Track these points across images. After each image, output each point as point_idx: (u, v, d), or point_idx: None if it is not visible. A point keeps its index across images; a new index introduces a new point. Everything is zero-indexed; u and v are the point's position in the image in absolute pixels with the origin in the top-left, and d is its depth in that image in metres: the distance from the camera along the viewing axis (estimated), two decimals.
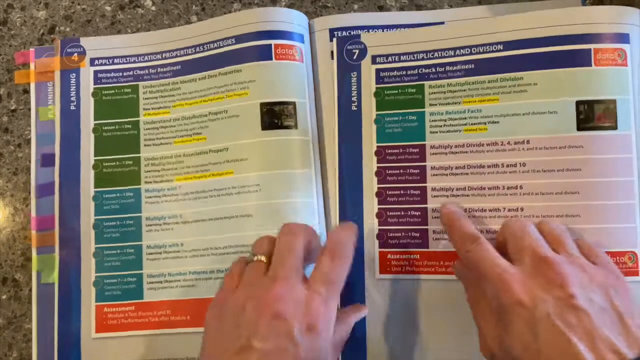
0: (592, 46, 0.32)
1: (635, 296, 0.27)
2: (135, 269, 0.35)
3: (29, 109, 0.38)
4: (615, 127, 0.32)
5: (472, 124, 0.34)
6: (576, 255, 0.27)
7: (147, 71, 0.38)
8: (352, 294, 0.34)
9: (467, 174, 0.33)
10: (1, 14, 0.40)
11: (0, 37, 0.40)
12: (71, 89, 0.38)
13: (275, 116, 0.35)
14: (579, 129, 0.32)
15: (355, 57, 0.36)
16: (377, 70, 0.35)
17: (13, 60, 0.39)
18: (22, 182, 0.37)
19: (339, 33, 0.37)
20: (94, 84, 0.38)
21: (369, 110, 0.35)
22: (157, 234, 0.36)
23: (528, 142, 0.33)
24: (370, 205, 0.34)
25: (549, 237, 0.29)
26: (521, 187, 0.33)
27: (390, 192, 0.34)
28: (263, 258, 0.28)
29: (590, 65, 0.32)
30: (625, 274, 0.30)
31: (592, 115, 0.32)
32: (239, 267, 0.29)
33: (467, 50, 0.34)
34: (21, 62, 0.39)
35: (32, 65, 0.38)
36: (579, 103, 0.32)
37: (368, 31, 0.37)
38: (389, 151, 0.35)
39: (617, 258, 0.31)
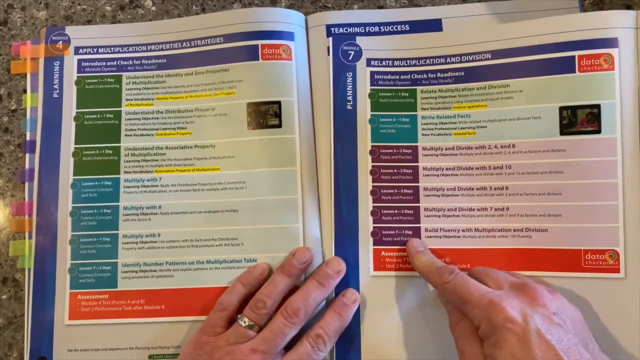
0: (576, 53, 0.35)
1: (615, 294, 0.33)
2: (111, 257, 0.37)
3: None
4: (598, 131, 0.35)
5: (461, 128, 0.37)
6: (543, 285, 0.32)
7: (131, 62, 0.39)
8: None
9: (456, 175, 0.37)
10: (1, 14, 0.41)
11: (1, 37, 0.41)
12: (54, 77, 0.39)
13: (260, 116, 0.37)
14: (561, 133, 0.35)
15: (350, 58, 0.39)
16: (372, 73, 0.38)
17: (13, 59, 0.41)
18: (22, 182, 0.39)
19: (335, 30, 0.39)
20: (78, 72, 0.39)
21: (364, 110, 0.38)
22: (134, 223, 0.37)
23: (513, 146, 0.36)
24: (365, 203, 0.37)
25: (511, 274, 0.33)
26: (507, 188, 0.36)
27: (384, 191, 0.37)
28: (252, 324, 0.33)
29: (574, 72, 0.35)
30: (606, 271, 0.34)
31: (574, 120, 0.35)
32: (222, 320, 0.34)
33: (458, 59, 0.37)
34: (18, 54, 0.40)
35: (26, 53, 0.40)
36: (562, 109, 0.35)
37: (364, 29, 0.39)
38: (383, 151, 0.37)
39: (598, 256, 0.34)
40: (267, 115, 0.37)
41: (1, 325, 0.38)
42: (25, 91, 0.40)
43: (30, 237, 0.38)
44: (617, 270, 0.34)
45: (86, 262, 0.37)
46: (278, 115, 0.37)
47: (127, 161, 0.38)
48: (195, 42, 0.39)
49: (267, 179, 0.37)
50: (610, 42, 0.35)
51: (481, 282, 0.31)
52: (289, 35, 0.38)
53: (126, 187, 0.38)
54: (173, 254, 0.37)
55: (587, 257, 0.35)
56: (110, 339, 0.36)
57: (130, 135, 0.39)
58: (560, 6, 0.38)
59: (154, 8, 0.41)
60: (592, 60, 0.35)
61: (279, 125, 0.37)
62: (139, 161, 0.38)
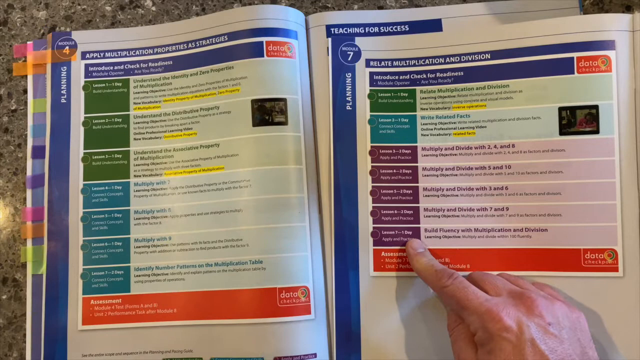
0: (574, 54, 0.36)
1: (614, 293, 0.33)
2: (123, 262, 0.38)
3: None
4: (597, 132, 0.36)
5: (461, 128, 0.38)
6: (542, 293, 0.32)
7: (138, 65, 0.40)
8: (347, 291, 0.37)
9: (456, 175, 0.37)
10: (1, 14, 0.42)
11: (1, 37, 0.42)
12: (62, 82, 0.40)
13: (266, 112, 0.38)
14: (561, 133, 0.36)
15: (349, 59, 0.39)
16: (371, 74, 0.39)
17: (13, 60, 0.42)
18: (22, 182, 0.40)
19: (335, 30, 0.40)
20: (85, 77, 0.40)
21: (363, 110, 0.38)
22: (145, 227, 0.38)
23: (513, 145, 0.37)
24: (365, 204, 0.38)
25: (510, 280, 0.34)
26: (507, 188, 0.37)
27: (384, 191, 0.38)
28: None
29: (573, 73, 0.36)
30: (605, 270, 0.35)
31: (573, 121, 0.36)
32: None
33: (457, 59, 0.38)
34: (19, 56, 0.41)
35: (29, 58, 0.41)
36: (561, 109, 0.36)
37: (364, 29, 0.40)
38: (383, 151, 0.38)
39: (597, 255, 0.35)
40: (272, 112, 0.38)
41: (1, 325, 0.39)
42: (25, 92, 0.41)
43: (38, 243, 0.39)
44: (616, 269, 0.35)
45: (98, 267, 0.38)
46: (284, 112, 0.38)
47: (136, 165, 0.39)
48: (200, 42, 0.40)
49: (272, 177, 0.37)
50: (608, 45, 0.36)
51: (479, 287, 0.32)
52: (293, 34, 0.39)
53: (136, 190, 0.39)
54: (184, 257, 0.38)
55: (587, 256, 0.35)
56: (124, 343, 0.37)
57: (139, 139, 0.39)
58: (560, 6, 0.39)
59: (154, 8, 0.42)
60: (590, 62, 0.36)
61: (285, 123, 0.38)
62: (148, 164, 0.39)
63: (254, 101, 0.38)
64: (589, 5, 0.40)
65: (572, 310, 0.31)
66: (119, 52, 0.40)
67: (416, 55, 0.39)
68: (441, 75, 0.38)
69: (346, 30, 0.40)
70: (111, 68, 0.40)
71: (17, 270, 0.39)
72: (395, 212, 0.38)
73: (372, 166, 0.38)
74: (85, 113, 0.40)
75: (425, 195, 0.38)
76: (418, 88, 0.39)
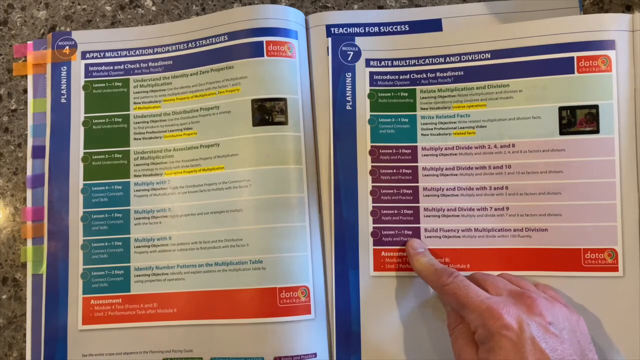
0: (574, 54, 0.36)
1: (614, 293, 0.33)
2: (123, 261, 0.38)
3: None
4: (597, 131, 0.36)
5: (461, 127, 0.38)
6: (542, 294, 0.32)
7: (138, 65, 0.40)
8: (347, 291, 0.37)
9: (456, 174, 0.37)
10: (1, 14, 0.42)
11: (1, 37, 0.42)
12: (62, 82, 0.40)
13: (266, 112, 0.38)
14: (561, 133, 0.36)
15: (349, 59, 0.39)
16: (371, 73, 0.39)
17: (13, 60, 0.42)
18: (22, 182, 0.40)
19: (335, 30, 0.40)
20: (85, 77, 0.40)
21: (363, 110, 0.39)
22: (145, 227, 0.38)
23: (513, 145, 0.37)
24: (365, 203, 0.38)
25: (511, 280, 0.34)
26: (507, 188, 0.37)
27: (383, 191, 0.38)
28: None
29: (573, 73, 0.36)
30: (605, 269, 0.35)
31: (574, 120, 0.36)
32: None
33: (457, 58, 0.38)
34: (19, 56, 0.41)
35: (29, 57, 0.41)
36: (561, 109, 0.36)
37: (364, 29, 0.40)
38: (383, 151, 0.38)
39: (597, 255, 0.35)
40: (273, 111, 0.38)
41: (1, 325, 0.39)
42: (25, 91, 0.41)
43: (38, 243, 0.39)
44: (616, 269, 0.35)
45: (98, 266, 0.38)
46: (284, 112, 0.38)
47: (136, 165, 0.39)
48: (200, 42, 0.40)
49: (272, 177, 0.37)
50: (608, 44, 0.36)
51: (480, 287, 0.32)
52: (293, 34, 0.39)
53: (136, 190, 0.39)
54: (184, 257, 0.38)
55: (587, 256, 0.35)
56: (124, 343, 0.37)
57: (139, 139, 0.39)
58: (560, 6, 0.39)
59: (154, 8, 0.42)
60: (590, 62, 0.36)
61: (285, 122, 0.38)
62: (148, 164, 0.39)
63: (254, 101, 0.38)
64: (589, 5, 0.40)
65: (572, 313, 0.31)
66: (119, 52, 0.40)
67: (416, 55, 0.39)
68: (441, 75, 0.38)
69: (346, 30, 0.40)
70: (111, 68, 0.40)
71: (17, 270, 0.39)
72: (395, 212, 0.38)
73: (372, 166, 0.38)
74: (85, 113, 0.40)
75: (425, 195, 0.38)
76: (418, 88, 0.39)
